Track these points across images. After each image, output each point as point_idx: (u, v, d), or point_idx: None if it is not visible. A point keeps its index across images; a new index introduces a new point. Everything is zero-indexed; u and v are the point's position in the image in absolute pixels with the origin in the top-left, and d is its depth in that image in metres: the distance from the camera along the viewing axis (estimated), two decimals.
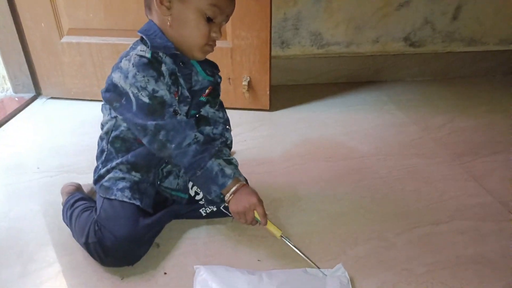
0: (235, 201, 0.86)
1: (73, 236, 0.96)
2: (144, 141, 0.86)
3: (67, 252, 0.96)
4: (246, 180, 0.94)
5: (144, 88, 0.82)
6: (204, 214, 1.02)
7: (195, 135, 0.85)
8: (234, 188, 0.86)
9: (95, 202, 0.99)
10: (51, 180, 1.23)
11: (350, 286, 0.82)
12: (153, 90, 0.83)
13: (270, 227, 0.89)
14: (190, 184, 1.02)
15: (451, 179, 1.24)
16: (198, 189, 1.01)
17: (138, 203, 0.90)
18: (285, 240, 0.89)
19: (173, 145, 0.83)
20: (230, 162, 0.89)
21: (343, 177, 1.26)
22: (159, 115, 0.83)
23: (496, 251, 0.95)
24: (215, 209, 1.02)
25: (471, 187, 1.21)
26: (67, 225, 0.99)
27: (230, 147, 1.08)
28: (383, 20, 1.91)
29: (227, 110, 1.11)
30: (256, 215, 0.87)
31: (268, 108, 1.71)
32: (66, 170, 1.28)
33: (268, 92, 1.68)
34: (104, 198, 0.91)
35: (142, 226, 0.88)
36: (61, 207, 1.04)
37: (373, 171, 1.29)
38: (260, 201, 0.86)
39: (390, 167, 1.31)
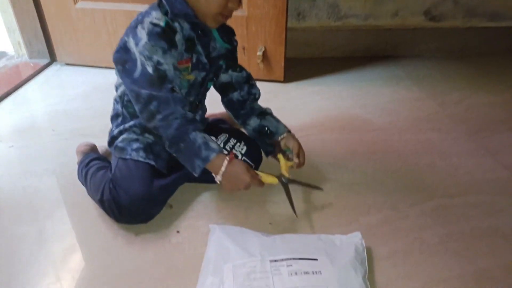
0: (227, 182, 0.86)
1: (88, 193, 0.98)
2: (136, 108, 0.86)
3: (83, 210, 0.97)
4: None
5: (150, 58, 0.81)
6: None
7: (185, 112, 0.84)
8: (223, 169, 0.84)
9: (109, 162, 1.00)
10: (66, 143, 1.24)
11: (365, 254, 0.82)
12: (158, 62, 0.82)
13: (267, 181, 0.90)
14: None
15: (466, 154, 1.22)
16: None
17: (152, 163, 0.91)
18: (283, 180, 0.92)
19: (160, 116, 0.82)
20: (265, 112, 1.01)
21: (357, 149, 1.24)
22: (157, 87, 0.82)
23: (510, 225, 0.94)
24: None
25: (487, 162, 1.19)
26: (82, 183, 1.00)
27: (258, 99, 1.09)
28: None
29: None
30: None
31: (282, 80, 1.69)
32: (81, 133, 1.29)
33: (283, 64, 1.65)
34: (119, 158, 0.92)
35: (156, 186, 0.89)
36: (76, 167, 1.05)
37: (387, 145, 1.27)
38: (252, 177, 0.85)
39: (405, 141, 1.29)
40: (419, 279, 0.80)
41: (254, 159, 1.03)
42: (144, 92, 0.82)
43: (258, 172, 0.90)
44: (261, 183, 0.88)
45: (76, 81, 1.72)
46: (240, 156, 1.02)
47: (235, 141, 1.04)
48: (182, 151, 0.85)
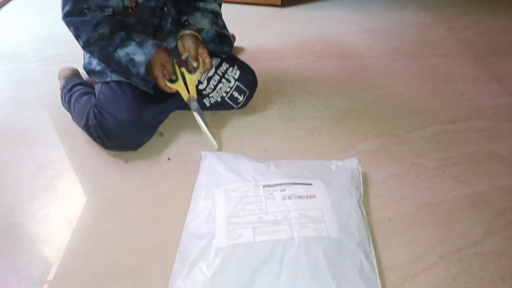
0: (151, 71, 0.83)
1: (73, 119, 0.94)
2: None
3: (70, 136, 0.94)
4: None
5: None
6: (208, 105, 0.98)
7: (99, 31, 0.78)
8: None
9: (93, 88, 0.94)
10: (48, 69, 1.17)
11: (361, 179, 0.80)
12: None
13: (176, 88, 0.85)
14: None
15: (472, 80, 1.17)
16: (201, 77, 0.95)
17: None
18: (190, 105, 0.86)
19: (81, 43, 0.80)
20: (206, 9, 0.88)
21: (357, 75, 1.18)
22: (70, 11, 0.77)
23: (510, 150, 0.92)
24: (219, 99, 0.97)
25: (492, 88, 1.14)
26: (66, 109, 0.96)
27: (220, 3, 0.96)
28: None
29: (235, 5, 1.00)
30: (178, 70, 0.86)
31: (279, 4, 1.57)
32: (64, 60, 1.22)
33: None
34: (101, 83, 0.87)
35: (146, 112, 0.85)
36: (60, 92, 1.00)
37: (389, 70, 1.21)
38: (160, 77, 0.82)
39: (408, 67, 1.22)
40: (414, 202, 0.79)
41: (248, 84, 0.98)
42: (64, 20, 0.79)
43: (186, 74, 0.86)
44: (165, 86, 0.84)
45: (58, 5, 1.59)
46: (233, 82, 0.96)
47: (227, 65, 0.97)
48: (118, 72, 0.84)
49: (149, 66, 0.81)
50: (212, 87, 0.95)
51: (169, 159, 0.89)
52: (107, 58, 0.80)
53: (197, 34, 0.87)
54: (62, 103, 0.97)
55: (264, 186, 0.75)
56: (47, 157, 0.89)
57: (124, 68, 0.80)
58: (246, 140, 0.94)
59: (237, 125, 0.98)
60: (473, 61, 1.25)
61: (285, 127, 0.98)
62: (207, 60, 0.87)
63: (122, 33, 0.78)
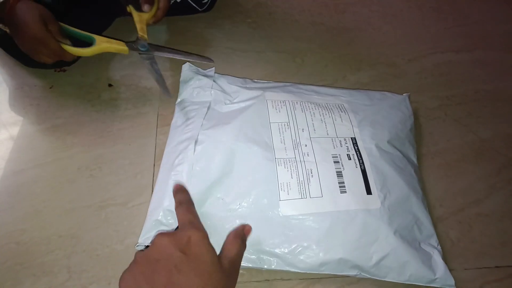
0: (18, 39, 0.55)
1: None
2: None
3: None
4: None
5: None
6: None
7: None
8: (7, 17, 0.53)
9: None
10: None
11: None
12: None
13: (89, 51, 0.58)
14: None
15: (479, 0, 0.99)
16: None
17: None
18: (139, 47, 0.61)
19: None
20: None
21: None
22: None
23: None
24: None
25: (501, 11, 0.97)
26: None
27: None
28: None
29: None
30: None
31: None
32: None
33: None
34: None
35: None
36: None
37: None
38: (47, 37, 0.54)
39: None
40: None
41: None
42: None
43: (72, 29, 0.58)
44: (62, 53, 0.56)
45: None
46: None
47: None
48: None
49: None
50: None
51: (110, 85, 0.68)
52: None
53: None
54: None
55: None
56: None
57: None
58: (212, 64, 0.74)
59: (201, 44, 0.77)
60: None
61: (260, 49, 0.79)
62: (165, 2, 0.63)
63: None
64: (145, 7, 0.62)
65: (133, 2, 0.63)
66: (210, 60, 0.67)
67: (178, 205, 0.45)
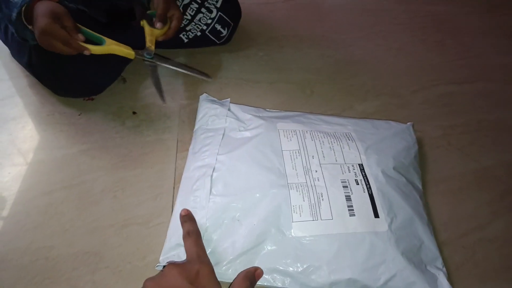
0: (37, 34, 0.58)
1: (12, 55, 0.75)
2: None
3: (10, 76, 0.75)
4: None
5: None
6: (186, 41, 0.81)
7: None
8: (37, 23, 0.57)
9: None
10: None
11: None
12: None
13: (105, 50, 0.63)
14: None
15: (480, 33, 1.05)
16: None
17: (81, 7, 0.66)
18: (145, 55, 0.66)
19: None
20: None
21: (355, 20, 1.03)
22: None
23: None
24: (199, 33, 0.80)
25: (502, 44, 1.02)
26: (3, 41, 0.76)
27: None
28: None
29: None
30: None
31: None
32: None
33: None
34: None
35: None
36: None
37: (391, 16, 1.06)
38: (63, 16, 0.58)
39: (412, 12, 1.08)
40: None
41: (231, 16, 0.81)
42: None
43: (86, 29, 0.62)
44: (79, 47, 0.59)
45: None
46: (215, 12, 0.79)
47: None
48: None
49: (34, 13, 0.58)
50: (189, 17, 0.78)
51: (134, 112, 0.73)
52: None
53: None
54: None
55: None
56: None
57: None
58: (226, 94, 0.80)
59: (217, 76, 0.83)
60: (482, 10, 1.12)
61: (272, 80, 0.84)
62: (176, 24, 0.68)
63: None
64: (158, 25, 0.67)
65: (147, 18, 0.68)
66: (208, 76, 0.72)
67: (186, 235, 0.47)
